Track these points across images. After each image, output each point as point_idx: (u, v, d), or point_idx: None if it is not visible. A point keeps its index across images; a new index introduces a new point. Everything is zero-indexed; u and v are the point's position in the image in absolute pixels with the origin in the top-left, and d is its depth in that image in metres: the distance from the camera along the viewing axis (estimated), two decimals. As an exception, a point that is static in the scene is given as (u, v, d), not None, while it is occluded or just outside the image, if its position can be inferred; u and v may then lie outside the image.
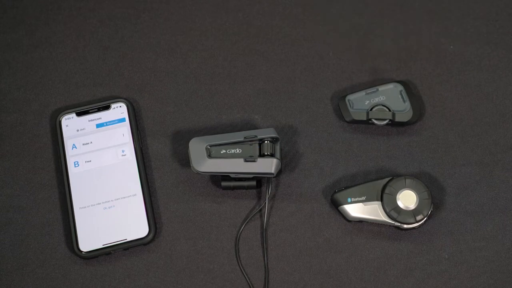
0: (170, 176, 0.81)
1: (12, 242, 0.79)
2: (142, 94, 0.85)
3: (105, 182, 0.80)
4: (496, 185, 0.80)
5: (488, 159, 0.81)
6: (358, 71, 0.85)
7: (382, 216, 0.77)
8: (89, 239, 0.78)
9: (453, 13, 0.88)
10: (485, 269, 0.78)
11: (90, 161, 0.81)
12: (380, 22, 0.88)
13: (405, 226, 0.77)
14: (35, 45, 0.87)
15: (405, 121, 0.81)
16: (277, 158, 0.77)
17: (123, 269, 0.78)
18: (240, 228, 0.79)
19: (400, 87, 0.82)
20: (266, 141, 0.78)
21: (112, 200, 0.79)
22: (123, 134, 0.82)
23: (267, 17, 0.88)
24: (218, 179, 0.81)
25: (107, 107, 0.83)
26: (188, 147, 0.78)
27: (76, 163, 0.81)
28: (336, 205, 0.79)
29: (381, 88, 0.82)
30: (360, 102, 0.82)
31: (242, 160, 0.77)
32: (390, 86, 0.82)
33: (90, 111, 0.83)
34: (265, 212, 0.79)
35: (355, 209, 0.78)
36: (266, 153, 0.77)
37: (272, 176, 0.78)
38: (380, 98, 0.82)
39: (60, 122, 0.83)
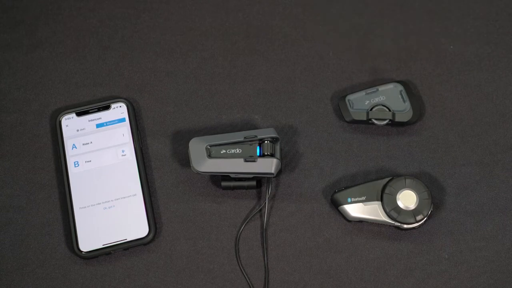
0: (170, 176, 0.81)
1: (12, 242, 0.79)
2: (142, 94, 0.85)
3: (105, 182, 0.80)
4: (496, 185, 0.80)
5: (488, 159, 0.81)
6: (358, 71, 0.85)
7: (382, 216, 0.77)
8: (89, 239, 0.78)
9: (453, 13, 0.88)
10: (485, 269, 0.78)
11: (90, 161, 0.81)
12: (380, 22, 0.88)
13: (405, 226, 0.77)
14: (35, 45, 0.87)
15: (405, 121, 0.81)
16: (277, 158, 0.77)
17: (123, 269, 0.78)
18: (240, 228, 0.79)
19: (400, 87, 0.82)
20: (266, 141, 0.78)
21: (112, 200, 0.79)
22: (123, 134, 0.82)
23: (267, 17, 0.88)
24: (218, 179, 0.81)
25: (107, 107, 0.83)
26: (188, 147, 0.78)
27: (76, 163, 0.81)
28: (336, 205, 0.79)
29: (381, 88, 0.82)
30: (360, 102, 0.82)
31: (242, 160, 0.77)
32: (390, 86, 0.82)
33: (90, 111, 0.83)
34: (265, 212, 0.79)
35: (355, 209, 0.78)
36: (266, 153, 0.77)
37: (272, 176, 0.78)
38: (380, 98, 0.82)
39: (60, 122, 0.83)
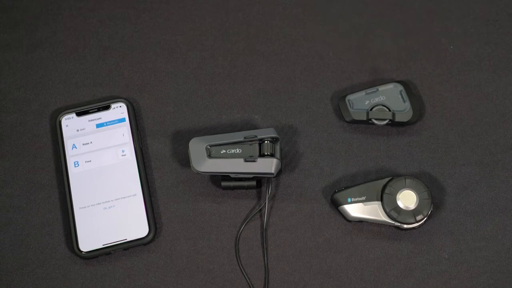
0: (170, 176, 0.81)
1: (12, 242, 0.79)
2: (142, 94, 0.85)
3: (105, 182, 0.80)
4: (496, 185, 0.80)
5: (488, 159, 0.81)
6: (358, 71, 0.85)
7: (382, 216, 0.77)
8: (89, 239, 0.78)
9: (453, 13, 0.88)
10: (485, 269, 0.78)
11: (90, 161, 0.81)
12: (380, 22, 0.88)
13: (405, 226, 0.77)
14: (35, 45, 0.87)
15: (405, 121, 0.81)
16: (277, 158, 0.77)
17: (123, 269, 0.78)
18: (240, 228, 0.79)
19: (400, 87, 0.82)
20: (266, 141, 0.78)
21: (112, 200, 0.79)
22: (123, 134, 0.82)
23: (267, 17, 0.88)
24: (218, 179, 0.81)
25: (107, 107, 0.83)
26: (188, 147, 0.78)
27: (76, 163, 0.81)
28: (336, 205, 0.79)
29: (381, 88, 0.82)
30: (360, 102, 0.82)
31: (242, 160, 0.77)
32: (390, 86, 0.82)
33: (90, 111, 0.83)
34: (265, 212, 0.79)
35: (355, 209, 0.78)
36: (266, 153, 0.77)
37: (272, 176, 0.78)
38: (380, 98, 0.82)
39: (60, 122, 0.83)
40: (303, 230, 0.79)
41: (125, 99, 0.84)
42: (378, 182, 0.78)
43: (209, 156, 0.77)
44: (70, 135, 0.82)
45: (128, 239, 0.78)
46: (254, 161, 0.77)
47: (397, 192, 0.77)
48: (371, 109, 0.81)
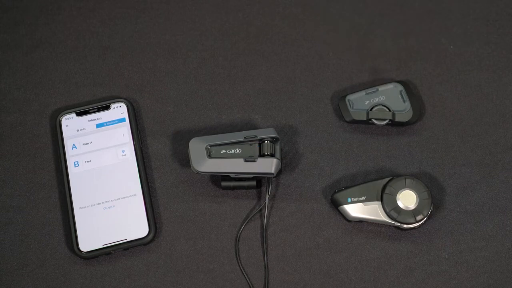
0: (170, 176, 0.81)
1: (12, 242, 0.79)
2: (142, 94, 0.85)
3: (105, 182, 0.80)
4: (496, 185, 0.80)
5: (488, 159, 0.81)
6: (358, 71, 0.85)
7: (382, 216, 0.77)
8: (89, 239, 0.78)
9: (453, 13, 0.88)
10: (485, 269, 0.78)
11: (90, 161, 0.81)
12: (380, 22, 0.88)
13: (405, 226, 0.77)
14: (35, 45, 0.87)
15: (405, 121, 0.81)
16: (277, 158, 0.77)
17: (123, 269, 0.78)
18: (240, 228, 0.79)
19: (400, 87, 0.82)
20: (266, 141, 0.78)
21: (112, 200, 0.79)
22: (123, 134, 0.82)
23: (267, 17, 0.88)
24: (218, 179, 0.81)
25: (107, 107, 0.83)
26: (188, 147, 0.78)
27: (76, 163, 0.81)
28: (336, 205, 0.79)
29: (381, 88, 0.82)
30: (360, 102, 0.82)
31: (242, 160, 0.77)
32: (390, 86, 0.82)
33: (90, 111, 0.83)
34: (265, 212, 0.79)
35: (355, 209, 0.78)
36: (266, 153, 0.77)
37: (272, 176, 0.78)
38: (380, 98, 0.82)
39: (60, 122, 0.83)
40: (303, 230, 0.79)
41: (125, 99, 0.84)
42: (378, 182, 0.78)
43: (209, 156, 0.77)
44: (70, 135, 0.82)
45: (128, 239, 0.78)
46: (254, 161, 0.77)
47: (397, 192, 0.77)
48: (371, 109, 0.81)
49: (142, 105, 0.85)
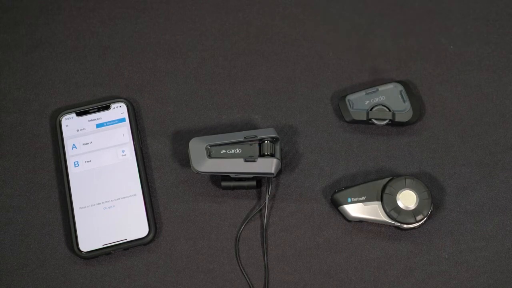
0: (170, 176, 0.81)
1: (12, 242, 0.79)
2: (142, 94, 0.85)
3: (105, 182, 0.80)
4: (496, 185, 0.80)
5: (488, 159, 0.81)
6: (358, 71, 0.85)
7: (382, 216, 0.77)
8: (89, 239, 0.78)
9: (453, 13, 0.88)
10: (485, 269, 0.78)
11: (90, 161, 0.81)
12: (380, 22, 0.88)
13: (405, 226, 0.77)
14: (35, 45, 0.87)
15: (405, 121, 0.81)
16: (277, 158, 0.77)
17: (123, 269, 0.78)
18: (240, 228, 0.79)
19: (400, 87, 0.82)
20: (266, 141, 0.78)
21: (112, 200, 0.79)
22: (123, 134, 0.82)
23: (267, 17, 0.88)
24: (218, 179, 0.81)
25: (107, 107, 0.83)
26: (188, 147, 0.78)
27: (76, 163, 0.81)
28: (336, 205, 0.79)
29: (381, 88, 0.82)
30: (360, 102, 0.82)
31: (242, 160, 0.77)
32: (390, 86, 0.83)
33: (90, 111, 0.83)
34: (265, 212, 0.79)
35: (355, 209, 0.78)
36: (266, 153, 0.77)
37: (272, 176, 0.78)
38: (380, 98, 0.82)
39: (60, 122, 0.83)
40: (303, 230, 0.79)
41: (125, 99, 0.84)
42: (378, 182, 0.78)
43: (209, 156, 0.77)
44: (70, 135, 0.82)
45: (128, 239, 0.78)
46: (254, 161, 0.77)
47: (397, 192, 0.77)
48: (371, 109, 0.81)
49: (142, 105, 0.85)
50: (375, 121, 0.81)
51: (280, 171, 0.79)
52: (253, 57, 0.86)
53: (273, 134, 0.78)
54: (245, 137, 0.78)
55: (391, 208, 0.77)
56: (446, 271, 0.78)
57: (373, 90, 0.82)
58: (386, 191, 0.77)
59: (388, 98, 0.82)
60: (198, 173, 0.77)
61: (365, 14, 0.88)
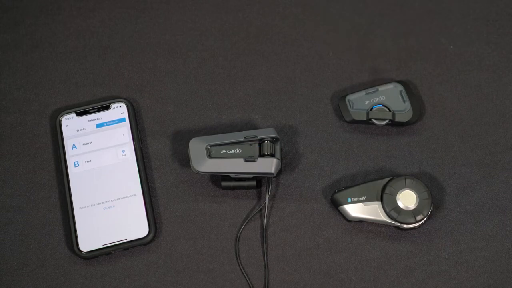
0: (170, 176, 0.81)
1: (12, 242, 0.79)
2: (142, 94, 0.85)
3: (105, 182, 0.80)
4: (496, 185, 0.80)
5: (488, 159, 0.81)
6: (358, 71, 0.85)
7: (382, 216, 0.77)
8: (89, 239, 0.78)
9: (453, 13, 0.88)
10: (485, 269, 0.78)
11: (90, 161, 0.81)
12: (380, 22, 0.88)
13: (405, 226, 0.77)
14: (35, 45, 0.87)
15: (405, 121, 0.81)
16: (277, 158, 0.77)
17: (123, 269, 0.78)
18: (240, 228, 0.79)
19: (400, 87, 0.82)
20: (266, 141, 0.78)
21: (112, 200, 0.79)
22: (123, 134, 0.82)
23: (267, 17, 0.88)
24: (218, 179, 0.81)
25: (107, 107, 0.83)
26: (188, 147, 0.78)
27: (76, 163, 0.81)
28: (336, 205, 0.79)
29: (381, 88, 0.82)
30: (360, 102, 0.82)
31: (242, 160, 0.77)
32: (390, 86, 0.83)
33: (90, 111, 0.83)
34: (265, 212, 0.79)
35: (355, 209, 0.78)
36: (266, 153, 0.77)
37: (272, 176, 0.78)
38: (380, 98, 0.82)
39: (60, 122, 0.83)
40: (303, 230, 0.79)
41: (125, 99, 0.84)
42: (378, 182, 0.78)
43: (209, 156, 0.77)
44: (70, 135, 0.82)
45: (128, 239, 0.78)
46: (254, 161, 0.77)
47: (397, 192, 0.77)
48: (371, 109, 0.81)
49: (142, 105, 0.85)
50: (375, 121, 0.81)
51: (280, 171, 0.79)
52: (253, 57, 0.86)
53: (273, 134, 0.78)
54: (245, 137, 0.78)
55: (391, 208, 0.77)
56: (446, 271, 0.78)
57: (373, 90, 0.82)
58: (386, 191, 0.77)
59: (388, 98, 0.82)
60: (198, 173, 0.77)
61: (365, 14, 0.88)
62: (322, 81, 0.85)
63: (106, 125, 0.82)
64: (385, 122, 0.81)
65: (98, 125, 0.82)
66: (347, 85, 0.85)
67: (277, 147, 0.79)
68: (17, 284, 0.78)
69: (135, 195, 0.80)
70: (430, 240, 0.79)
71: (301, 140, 0.83)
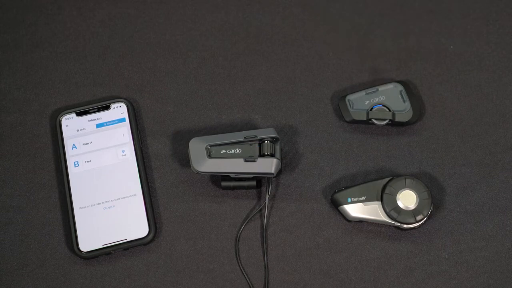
0: (170, 176, 0.81)
1: (12, 242, 0.79)
2: (142, 94, 0.85)
3: (105, 182, 0.80)
4: (496, 185, 0.80)
5: (488, 159, 0.81)
6: (358, 71, 0.85)
7: (382, 216, 0.77)
8: (89, 239, 0.78)
9: (453, 13, 0.88)
10: (485, 269, 0.78)
11: (90, 161, 0.81)
12: (380, 22, 0.88)
13: (405, 226, 0.77)
14: (35, 45, 0.87)
15: (405, 121, 0.81)
16: (277, 158, 0.77)
17: (123, 269, 0.78)
18: (240, 228, 0.79)
19: (400, 87, 0.82)
20: (266, 141, 0.78)
21: (112, 200, 0.79)
22: (123, 134, 0.82)
23: (267, 17, 0.88)
24: (218, 179, 0.81)
25: (107, 107, 0.83)
26: (188, 147, 0.78)
27: (76, 163, 0.81)
28: (336, 205, 0.79)
29: (381, 88, 0.82)
30: (360, 102, 0.82)
31: (242, 160, 0.77)
32: (390, 86, 0.83)
33: (90, 111, 0.83)
34: (265, 212, 0.79)
35: (355, 209, 0.78)
36: (266, 153, 0.77)
37: (272, 176, 0.78)
38: (380, 98, 0.82)
39: (60, 122, 0.83)
40: (303, 230, 0.79)
41: (125, 99, 0.84)
42: (378, 182, 0.78)
43: (209, 156, 0.77)
44: (70, 135, 0.82)
45: (128, 239, 0.78)
46: (254, 161, 0.77)
47: (397, 192, 0.77)
48: (371, 109, 0.81)
49: (142, 105, 0.85)
50: (375, 121, 0.81)
51: (280, 171, 0.79)
52: (253, 57, 0.86)
53: (273, 134, 0.78)
54: (245, 137, 0.78)
55: (391, 208, 0.77)
56: (446, 271, 0.78)
57: (373, 90, 0.82)
58: (386, 191, 0.77)
59: (388, 98, 0.82)
60: (198, 173, 0.77)
61: (365, 14, 0.88)
62: (322, 81, 0.85)
63: (106, 125, 0.82)
64: (385, 122, 0.81)
65: (98, 125, 0.82)
66: (347, 85, 0.85)
67: (277, 147, 0.79)
68: (17, 284, 0.78)
69: (135, 195, 0.80)
70: (430, 240, 0.79)
71: (301, 140, 0.83)
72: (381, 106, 0.81)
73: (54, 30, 0.88)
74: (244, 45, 0.87)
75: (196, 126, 0.84)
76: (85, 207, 0.79)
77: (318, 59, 0.86)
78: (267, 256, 0.79)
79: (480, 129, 0.83)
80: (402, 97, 0.82)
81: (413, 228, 0.78)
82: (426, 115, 0.83)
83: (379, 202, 0.77)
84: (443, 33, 0.87)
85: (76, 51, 0.87)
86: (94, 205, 0.79)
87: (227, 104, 0.84)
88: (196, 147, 0.78)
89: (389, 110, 0.81)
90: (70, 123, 0.82)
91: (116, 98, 0.84)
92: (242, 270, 0.78)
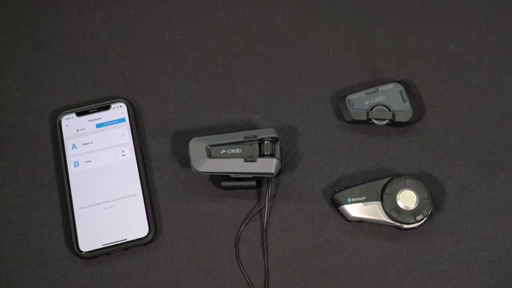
0: (170, 176, 0.81)
1: (12, 242, 0.79)
2: (142, 94, 0.85)
3: (105, 182, 0.80)
4: (496, 185, 0.80)
5: (488, 159, 0.81)
6: (358, 71, 0.85)
7: (382, 216, 0.77)
8: (89, 239, 0.78)
9: (453, 13, 0.88)
10: (485, 269, 0.78)
11: (90, 161, 0.81)
12: (380, 22, 0.88)
13: (405, 226, 0.77)
14: (35, 45, 0.87)
15: (405, 121, 0.81)
16: (277, 158, 0.77)
17: (123, 269, 0.78)
18: (240, 228, 0.79)
19: (400, 87, 0.82)
20: (266, 141, 0.78)
21: (112, 200, 0.79)
22: (123, 134, 0.82)
23: (267, 17, 0.88)
24: (218, 179, 0.81)
25: (107, 107, 0.83)
26: (188, 147, 0.78)
27: (76, 163, 0.81)
28: (336, 205, 0.79)
29: (381, 88, 0.82)
30: (360, 102, 0.82)
31: (242, 160, 0.77)
32: (390, 86, 0.83)
33: (90, 111, 0.83)
34: (265, 212, 0.79)
35: (355, 209, 0.78)
36: (266, 153, 0.77)
37: (272, 176, 0.78)
38: (380, 98, 0.82)
39: (60, 122, 0.83)
40: (303, 230, 0.79)
41: (125, 99, 0.84)
42: (378, 182, 0.78)
43: (209, 156, 0.77)
44: (70, 135, 0.82)
45: (128, 239, 0.78)
46: (254, 161, 0.77)
47: (397, 192, 0.77)
48: (371, 109, 0.81)
49: (142, 105, 0.85)
50: (375, 121, 0.81)
51: (280, 171, 0.79)
52: (253, 57, 0.86)
53: (273, 134, 0.78)
54: (245, 137, 0.78)
55: (391, 208, 0.77)
56: (446, 271, 0.78)
57: (373, 90, 0.82)
58: (386, 191, 0.77)
59: (388, 98, 0.82)
60: (198, 173, 0.77)
61: (365, 14, 0.88)
62: (322, 81, 0.85)
63: (106, 125, 0.82)
64: (385, 122, 0.81)
65: (98, 125, 0.82)
66: (347, 85, 0.85)
67: (277, 147, 0.79)
68: (17, 284, 0.78)
69: (135, 195, 0.80)
70: (430, 240, 0.79)
71: (301, 140, 0.83)
72: (381, 106, 0.81)
73: (54, 30, 0.88)
74: (244, 45, 0.87)
75: (196, 126, 0.84)
76: (85, 207, 0.79)
77: (318, 59, 0.86)
78: (267, 256, 0.79)
79: (480, 129, 0.83)
80: (402, 97, 0.82)
81: (413, 228, 0.78)
82: (426, 115, 0.83)
83: (379, 202, 0.77)
84: (443, 33, 0.87)
85: (76, 51, 0.87)
86: (94, 205, 0.79)
87: (227, 104, 0.84)
88: (196, 147, 0.78)
89: (389, 110, 0.81)
90: (70, 123, 0.82)
91: (116, 98, 0.84)
92: (242, 270, 0.78)
